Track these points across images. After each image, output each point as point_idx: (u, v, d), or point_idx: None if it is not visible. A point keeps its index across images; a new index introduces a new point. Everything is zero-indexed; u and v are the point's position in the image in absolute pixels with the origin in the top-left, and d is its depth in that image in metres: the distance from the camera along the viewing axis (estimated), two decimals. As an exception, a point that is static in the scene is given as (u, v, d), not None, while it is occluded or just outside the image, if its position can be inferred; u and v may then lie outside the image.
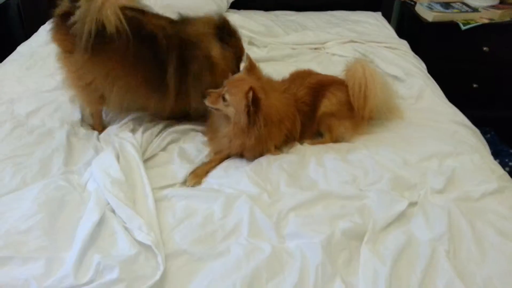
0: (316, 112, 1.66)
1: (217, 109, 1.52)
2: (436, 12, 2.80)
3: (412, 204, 1.35)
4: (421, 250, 1.19)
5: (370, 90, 1.62)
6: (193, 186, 1.45)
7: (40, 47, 2.35)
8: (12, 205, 1.28)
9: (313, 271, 1.11)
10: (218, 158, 1.56)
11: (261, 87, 1.48)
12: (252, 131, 1.47)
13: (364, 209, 1.33)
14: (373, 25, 2.70)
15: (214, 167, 1.53)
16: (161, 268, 1.10)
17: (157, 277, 1.08)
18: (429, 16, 2.81)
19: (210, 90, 1.51)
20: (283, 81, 1.75)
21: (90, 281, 1.06)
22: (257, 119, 1.45)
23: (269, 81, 1.63)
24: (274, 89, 1.60)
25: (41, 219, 1.23)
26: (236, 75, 1.55)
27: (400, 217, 1.30)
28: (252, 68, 1.55)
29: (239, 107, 1.44)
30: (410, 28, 3.01)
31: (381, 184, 1.43)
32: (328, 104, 1.65)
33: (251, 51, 2.39)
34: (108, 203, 1.30)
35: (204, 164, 1.54)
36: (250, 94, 1.40)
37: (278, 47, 2.42)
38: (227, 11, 2.82)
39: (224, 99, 1.48)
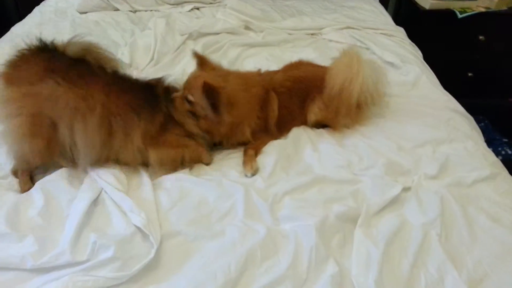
0: (306, 114, 1.64)
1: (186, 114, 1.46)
2: (434, -1, 2.79)
3: (406, 189, 1.36)
4: (414, 234, 1.21)
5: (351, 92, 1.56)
6: (252, 175, 1.42)
7: (34, 28, 2.32)
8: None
9: (307, 252, 1.12)
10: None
11: (217, 76, 1.46)
12: (222, 119, 1.44)
13: (358, 193, 1.34)
14: (369, 12, 2.69)
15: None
16: (155, 246, 1.11)
17: (151, 255, 1.09)
18: (426, 3, 2.80)
19: (174, 95, 1.45)
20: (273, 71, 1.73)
21: (87, 260, 1.07)
22: (221, 107, 1.42)
23: (225, 69, 1.61)
24: (234, 76, 1.54)
25: (37, 199, 1.23)
26: (191, 74, 1.51)
27: (394, 202, 1.31)
28: (203, 62, 1.53)
29: (202, 103, 1.41)
30: (407, 15, 3.00)
31: (375, 169, 1.44)
32: (317, 111, 1.62)
33: (248, 36, 2.39)
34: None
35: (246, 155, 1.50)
36: (205, 88, 1.38)
37: (275, 32, 2.41)
38: (224, -5, 2.80)
39: (189, 102, 1.44)
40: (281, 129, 1.62)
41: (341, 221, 1.23)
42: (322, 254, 1.12)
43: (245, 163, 1.46)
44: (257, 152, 1.52)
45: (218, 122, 1.45)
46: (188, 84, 1.47)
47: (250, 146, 1.54)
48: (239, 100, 1.48)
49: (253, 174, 1.42)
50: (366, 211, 1.25)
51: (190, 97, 1.43)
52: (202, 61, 1.54)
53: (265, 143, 1.56)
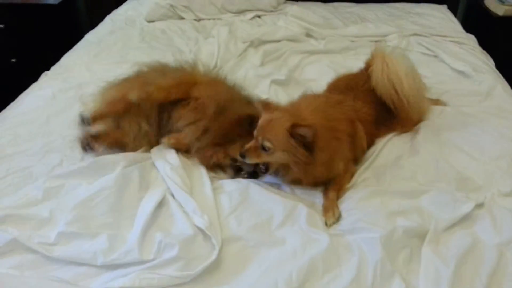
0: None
1: (263, 164, 1.36)
2: (508, 5, 2.63)
3: (478, 206, 1.28)
4: (487, 254, 1.14)
5: (397, 85, 1.53)
6: (334, 223, 1.27)
7: (106, 36, 2.46)
8: (82, 180, 1.36)
9: (371, 267, 1.09)
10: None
11: (298, 117, 1.32)
12: (314, 159, 1.28)
13: (424, 208, 1.28)
14: (438, 18, 2.59)
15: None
16: (217, 248, 1.12)
17: (214, 257, 1.10)
18: (499, 10, 2.64)
19: (246, 146, 1.33)
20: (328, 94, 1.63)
21: (153, 259, 1.11)
22: (314, 146, 1.27)
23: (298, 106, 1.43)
24: (311, 110, 1.39)
25: (107, 196, 1.28)
26: (260, 121, 1.34)
27: (465, 219, 1.24)
28: (267, 106, 1.39)
29: (288, 146, 1.27)
30: (477, 22, 2.85)
31: (444, 183, 1.37)
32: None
33: (309, 43, 2.38)
34: (168, 187, 1.34)
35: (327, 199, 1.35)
36: (297, 129, 1.25)
37: (337, 39, 2.38)
38: (285, 3, 2.82)
39: (264, 149, 1.30)
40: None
41: (408, 236, 1.18)
42: (387, 270, 1.08)
43: (326, 209, 1.29)
44: (339, 193, 1.35)
45: (309, 163, 1.29)
46: (262, 130, 1.32)
47: (332, 186, 1.36)
48: (328, 134, 1.32)
49: (334, 223, 1.25)
50: (435, 228, 1.19)
51: (267, 144, 1.29)
52: (266, 106, 1.39)
53: (348, 178, 1.42)
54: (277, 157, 1.31)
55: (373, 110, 1.55)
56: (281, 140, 1.28)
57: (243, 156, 1.33)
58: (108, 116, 1.52)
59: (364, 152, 1.50)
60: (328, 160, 1.34)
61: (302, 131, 1.25)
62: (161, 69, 1.65)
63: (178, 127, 1.50)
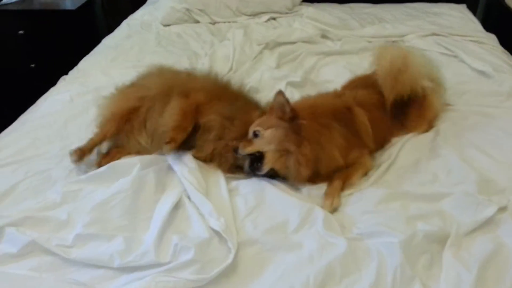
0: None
1: (256, 152, 1.37)
2: (530, 3, 2.56)
3: (501, 209, 1.25)
4: (512, 258, 1.10)
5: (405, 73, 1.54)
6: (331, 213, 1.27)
7: (123, 40, 2.49)
8: (100, 184, 1.37)
9: (391, 272, 1.06)
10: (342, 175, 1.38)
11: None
12: (300, 137, 1.34)
13: (445, 212, 1.25)
14: (456, 18, 2.55)
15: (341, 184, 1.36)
16: (233, 251, 1.12)
17: (230, 260, 1.09)
18: (521, 7, 2.58)
19: (237, 141, 1.39)
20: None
21: (169, 262, 1.10)
22: (297, 120, 1.35)
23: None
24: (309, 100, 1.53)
25: (124, 198, 1.29)
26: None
27: (487, 223, 1.21)
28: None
29: (273, 122, 1.36)
30: (498, 21, 2.79)
31: (465, 186, 1.34)
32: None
33: (324, 45, 2.36)
34: (185, 189, 1.34)
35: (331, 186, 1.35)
36: (281, 99, 1.36)
37: (353, 40, 2.36)
38: (300, 4, 2.81)
39: (255, 135, 1.37)
40: (379, 144, 1.53)
41: (429, 240, 1.15)
42: (407, 275, 1.05)
43: (326, 196, 1.31)
44: (345, 183, 1.35)
45: (298, 142, 1.33)
46: (256, 124, 1.41)
47: (339, 175, 1.37)
48: (319, 119, 1.39)
49: (331, 212, 1.27)
50: (456, 232, 1.16)
51: (257, 128, 1.37)
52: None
53: (360, 171, 1.40)
54: (268, 139, 1.35)
55: (382, 97, 1.55)
56: (266, 120, 1.38)
57: (236, 150, 1.38)
58: (101, 143, 1.52)
59: (370, 136, 1.47)
60: (317, 146, 1.35)
61: (276, 99, 1.37)
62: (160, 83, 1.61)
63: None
